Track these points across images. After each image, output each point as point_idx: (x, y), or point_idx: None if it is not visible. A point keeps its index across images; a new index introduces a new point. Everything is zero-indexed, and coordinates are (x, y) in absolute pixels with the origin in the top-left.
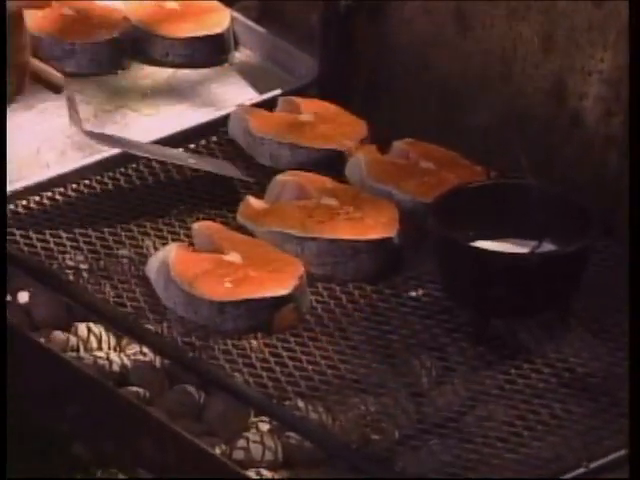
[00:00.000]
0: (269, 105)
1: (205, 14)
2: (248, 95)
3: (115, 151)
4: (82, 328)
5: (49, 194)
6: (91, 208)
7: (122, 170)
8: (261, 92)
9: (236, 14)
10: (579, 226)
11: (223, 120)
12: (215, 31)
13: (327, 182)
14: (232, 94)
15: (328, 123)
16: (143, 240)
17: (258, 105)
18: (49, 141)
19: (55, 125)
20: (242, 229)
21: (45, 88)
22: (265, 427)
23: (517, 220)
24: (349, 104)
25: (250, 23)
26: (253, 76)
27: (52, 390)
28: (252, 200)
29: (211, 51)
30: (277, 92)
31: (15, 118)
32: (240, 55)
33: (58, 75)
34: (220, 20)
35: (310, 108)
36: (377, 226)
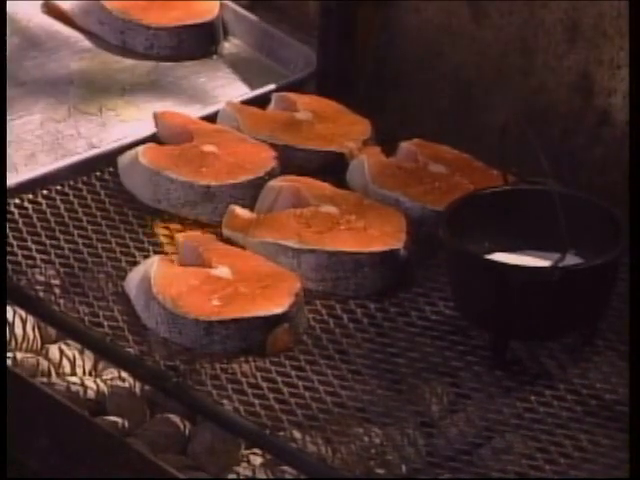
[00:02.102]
0: (262, 102)
1: (192, 1)
2: (238, 90)
3: (90, 153)
4: (54, 350)
5: (17, 201)
6: (64, 216)
7: (98, 174)
8: (253, 87)
9: (226, 1)
10: (607, 236)
11: (210, 118)
12: (203, 19)
13: (326, 188)
14: (220, 89)
15: (327, 122)
16: (121, 252)
17: (249, 102)
18: (16, 142)
19: (23, 124)
20: (229, 242)
21: None
22: (257, 460)
23: (538, 230)
24: (351, 101)
25: (241, 10)
26: (244, 69)
27: (20, 419)
28: (238, 210)
29: (199, 42)
30: (270, 87)
31: None
32: (230, 46)
33: None
34: (209, 7)
35: (307, 105)
36: (382, 237)
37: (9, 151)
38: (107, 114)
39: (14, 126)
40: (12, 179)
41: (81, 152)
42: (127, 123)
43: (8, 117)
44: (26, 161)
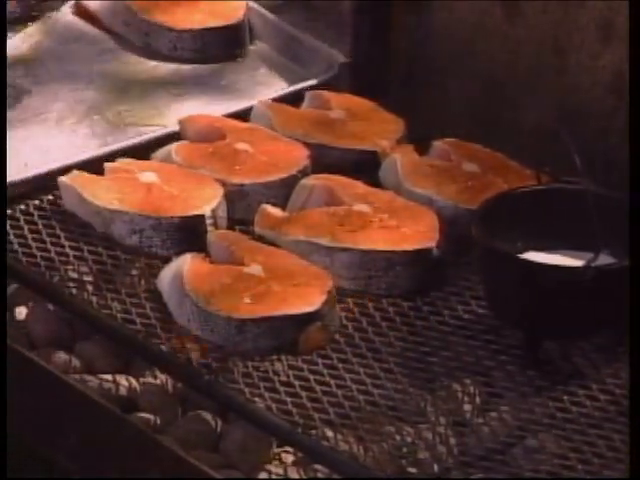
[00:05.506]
0: (289, 103)
1: (218, 3)
2: (260, 93)
3: (124, 144)
4: (86, 347)
5: (50, 197)
6: None
7: None
8: (275, 90)
9: (252, 3)
10: None
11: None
12: (228, 22)
13: (359, 186)
14: (242, 92)
15: (361, 121)
16: None
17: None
18: (31, 140)
19: (39, 122)
20: (262, 240)
21: None
22: (289, 459)
23: (571, 230)
24: (384, 99)
25: (267, 14)
26: (268, 72)
27: (51, 416)
28: (270, 209)
29: (223, 44)
30: (292, 89)
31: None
32: (255, 49)
33: None
34: (234, 10)
35: (341, 104)
36: (415, 236)
37: (23, 148)
38: (124, 114)
39: (30, 124)
40: (45, 168)
41: (92, 151)
42: (143, 123)
43: (25, 115)
44: (39, 158)
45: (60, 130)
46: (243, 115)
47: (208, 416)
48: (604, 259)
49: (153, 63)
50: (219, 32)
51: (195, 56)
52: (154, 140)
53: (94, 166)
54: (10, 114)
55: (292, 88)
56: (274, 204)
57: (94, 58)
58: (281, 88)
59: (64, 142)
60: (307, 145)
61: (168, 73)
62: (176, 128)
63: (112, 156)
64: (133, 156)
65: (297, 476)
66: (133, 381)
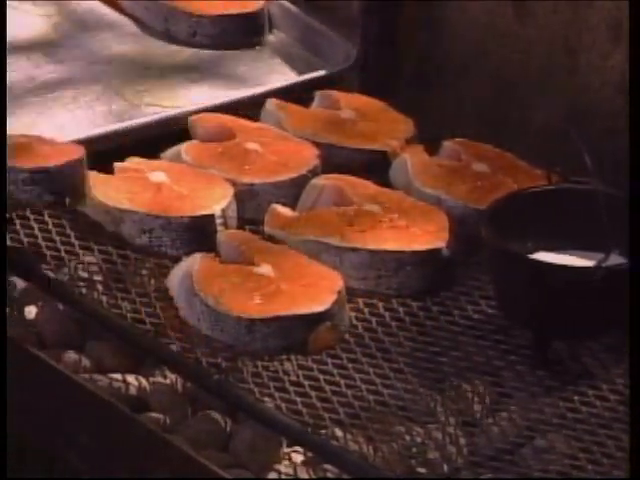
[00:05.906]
0: (297, 93)
1: None
2: (276, 80)
3: (140, 120)
4: (96, 347)
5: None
6: None
7: None
8: (290, 78)
9: None
10: None
11: (242, 104)
12: (247, 10)
13: (369, 186)
14: (258, 79)
15: (371, 121)
16: None
17: (284, 91)
18: (48, 115)
19: (55, 97)
20: (272, 240)
21: None
22: (299, 458)
23: (581, 230)
24: (394, 99)
25: (286, 4)
26: (285, 61)
27: (61, 415)
28: (280, 209)
29: (241, 32)
30: (305, 78)
31: None
32: (274, 39)
33: None
34: None
35: (351, 104)
36: (424, 236)
37: (38, 122)
38: (141, 95)
39: (47, 99)
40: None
41: (108, 126)
42: (159, 105)
43: (42, 91)
44: (56, 131)
45: (77, 106)
46: (257, 101)
47: (218, 416)
48: (614, 259)
49: (172, 48)
50: (238, 19)
51: (213, 42)
52: (172, 118)
53: (111, 141)
54: (26, 90)
55: (307, 76)
56: (284, 204)
57: (114, 41)
58: (297, 77)
59: (80, 118)
60: (317, 145)
61: (186, 58)
62: (189, 108)
63: (129, 132)
64: (149, 135)
65: (307, 476)
66: (143, 381)
